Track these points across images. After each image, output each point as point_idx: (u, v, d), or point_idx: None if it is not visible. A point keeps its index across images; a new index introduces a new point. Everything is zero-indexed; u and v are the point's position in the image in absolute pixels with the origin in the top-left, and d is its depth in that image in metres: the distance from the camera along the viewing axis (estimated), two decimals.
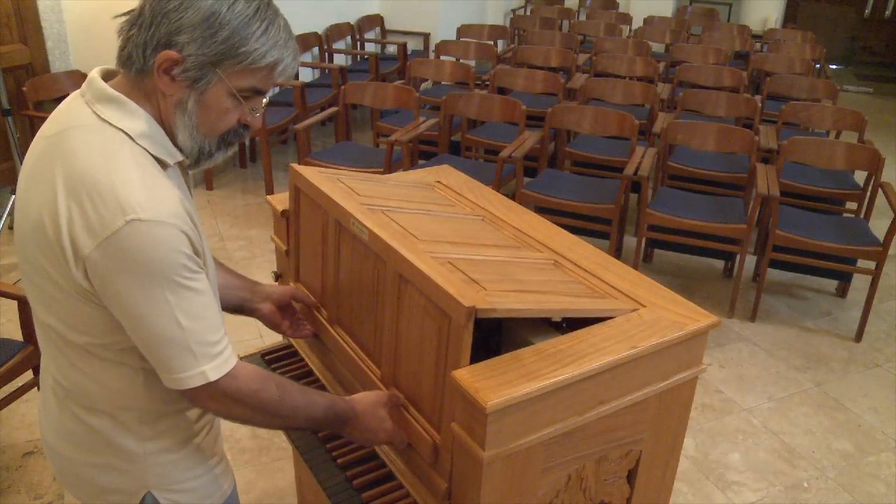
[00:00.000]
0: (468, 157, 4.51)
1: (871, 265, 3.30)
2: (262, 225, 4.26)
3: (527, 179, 3.84)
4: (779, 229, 3.37)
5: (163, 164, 1.07)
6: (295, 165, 1.62)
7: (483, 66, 6.48)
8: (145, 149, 1.05)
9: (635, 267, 3.11)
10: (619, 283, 1.42)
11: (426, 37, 6.65)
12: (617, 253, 3.75)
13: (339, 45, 6.37)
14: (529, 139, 3.94)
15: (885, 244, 3.24)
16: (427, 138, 4.42)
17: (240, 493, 1.39)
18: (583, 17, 7.58)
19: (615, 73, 5.18)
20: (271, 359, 1.71)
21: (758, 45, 6.45)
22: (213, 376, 1.06)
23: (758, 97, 4.65)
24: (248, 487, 2.39)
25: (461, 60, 5.42)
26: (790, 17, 9.48)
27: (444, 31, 6.55)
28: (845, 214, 4.03)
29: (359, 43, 6.51)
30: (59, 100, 4.43)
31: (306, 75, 5.90)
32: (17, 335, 2.37)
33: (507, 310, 1.14)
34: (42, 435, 1.24)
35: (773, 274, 3.90)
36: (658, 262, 4.13)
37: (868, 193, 3.86)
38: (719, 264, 4.08)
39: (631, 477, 1.39)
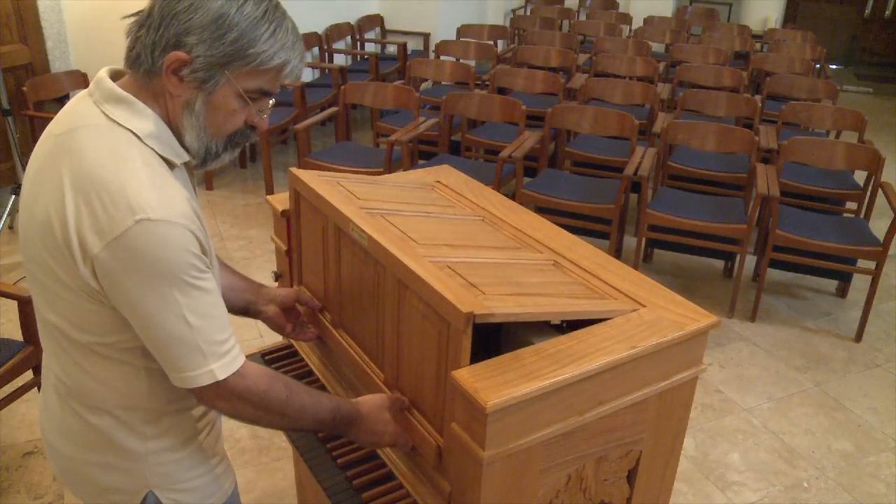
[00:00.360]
0: (468, 157, 4.51)
1: (871, 265, 3.30)
2: (262, 225, 4.26)
3: (527, 179, 3.84)
4: (779, 229, 3.37)
5: (170, 165, 1.08)
6: (294, 170, 1.62)
7: (483, 66, 6.48)
8: (153, 149, 1.05)
9: (635, 267, 3.11)
10: (619, 283, 1.43)
11: (426, 37, 6.65)
12: (617, 253, 3.75)
13: (339, 45, 6.37)
14: (529, 139, 3.94)
15: (885, 244, 3.24)
16: (427, 138, 4.42)
17: (240, 492, 1.39)
18: (583, 17, 7.58)
19: (615, 73, 5.18)
20: (271, 359, 1.71)
21: (758, 45, 6.45)
22: (222, 375, 1.06)
23: (758, 97, 4.65)
24: (248, 487, 2.39)
25: (461, 60, 5.42)
26: (790, 17, 9.49)
27: (444, 31, 6.55)
28: (845, 214, 4.03)
29: (359, 43, 6.51)
30: (59, 100, 4.39)
31: (306, 75, 5.91)
32: (18, 335, 2.37)
33: (506, 314, 1.14)
34: (43, 434, 1.25)
35: (773, 274, 3.90)
36: (658, 262, 4.13)
37: (868, 193, 3.86)
38: (719, 264, 4.08)
39: (631, 477, 1.39)
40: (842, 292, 3.85)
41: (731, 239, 3.50)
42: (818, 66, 5.91)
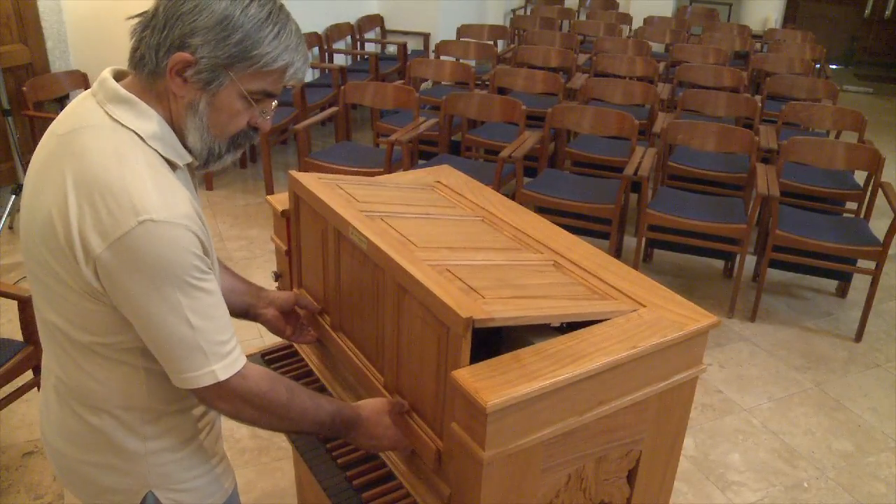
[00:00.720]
0: (468, 157, 4.51)
1: (871, 265, 3.30)
2: (262, 225, 4.26)
3: (527, 179, 3.84)
4: (779, 229, 3.37)
5: (172, 166, 1.08)
6: (293, 173, 1.62)
7: (483, 66, 6.48)
8: (156, 150, 1.06)
9: (635, 267, 3.11)
10: (619, 283, 1.43)
11: (426, 37, 6.65)
12: (617, 253, 3.75)
13: (339, 45, 6.37)
14: (529, 139, 3.94)
15: (885, 244, 3.24)
16: (427, 138, 4.42)
17: (240, 493, 1.39)
18: (583, 17, 7.58)
19: (615, 73, 5.18)
20: (271, 359, 1.72)
21: (758, 45, 6.45)
22: (223, 376, 1.07)
23: (758, 97, 4.65)
24: (248, 487, 2.39)
25: (461, 60, 5.42)
26: (790, 17, 9.48)
27: (444, 31, 6.55)
28: (845, 214, 4.03)
29: (359, 43, 6.51)
30: (59, 100, 4.39)
31: (306, 75, 5.90)
32: (17, 335, 2.37)
33: (505, 319, 1.15)
34: (42, 434, 1.25)
35: (773, 274, 3.90)
36: (658, 262, 4.13)
37: (868, 193, 3.86)
38: (719, 264, 4.08)
39: (631, 477, 1.39)
40: (842, 292, 3.85)
41: (731, 239, 3.50)
42: (818, 66, 5.91)
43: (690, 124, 3.84)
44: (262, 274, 3.57)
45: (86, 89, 1.14)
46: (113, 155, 1.01)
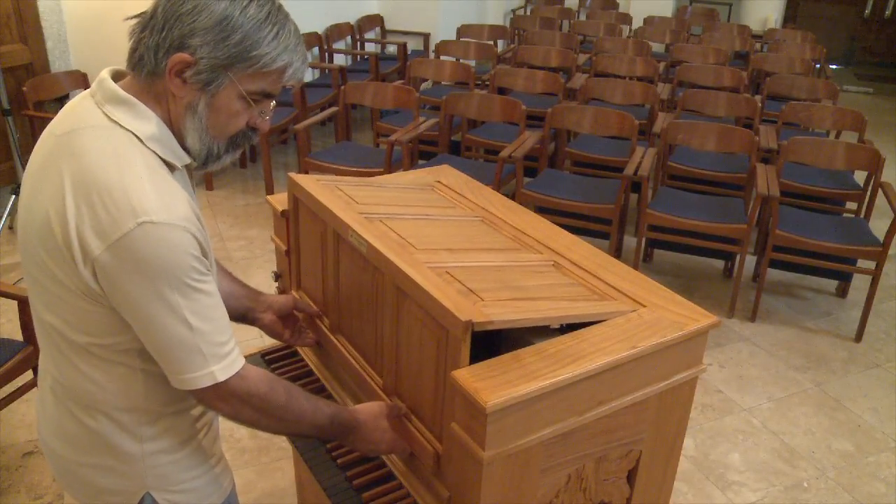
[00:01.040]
0: (468, 157, 4.51)
1: (871, 265, 3.30)
2: (262, 225, 4.26)
3: (527, 179, 3.84)
4: (779, 229, 3.37)
5: (170, 167, 1.08)
6: (293, 175, 1.62)
7: (483, 66, 6.48)
8: (154, 151, 1.05)
9: (635, 267, 3.11)
10: (619, 283, 1.43)
11: (426, 37, 6.65)
12: (617, 253, 3.75)
13: (339, 45, 6.37)
14: (529, 139, 3.94)
15: (885, 244, 3.24)
16: (427, 138, 4.41)
17: (240, 493, 1.40)
18: (583, 17, 7.57)
19: (615, 73, 5.18)
20: (271, 359, 1.72)
21: (758, 45, 6.44)
22: (222, 377, 1.07)
23: (758, 97, 4.65)
24: (248, 487, 2.39)
25: (461, 60, 5.42)
26: (790, 17, 9.48)
27: (444, 31, 6.55)
28: (845, 214, 4.03)
29: (359, 43, 6.51)
30: (59, 100, 4.38)
31: (306, 75, 5.90)
32: (17, 335, 2.37)
33: (504, 321, 1.15)
34: (40, 435, 1.24)
35: (773, 274, 3.90)
36: (658, 262, 4.12)
37: (868, 193, 3.86)
38: (719, 264, 4.08)
39: (631, 477, 1.39)
40: (842, 292, 3.85)
41: (731, 239, 3.50)
42: (818, 66, 5.91)
43: (690, 124, 3.84)
44: (262, 274, 3.57)
45: (86, 89, 1.14)
46: (112, 156, 1.01)
